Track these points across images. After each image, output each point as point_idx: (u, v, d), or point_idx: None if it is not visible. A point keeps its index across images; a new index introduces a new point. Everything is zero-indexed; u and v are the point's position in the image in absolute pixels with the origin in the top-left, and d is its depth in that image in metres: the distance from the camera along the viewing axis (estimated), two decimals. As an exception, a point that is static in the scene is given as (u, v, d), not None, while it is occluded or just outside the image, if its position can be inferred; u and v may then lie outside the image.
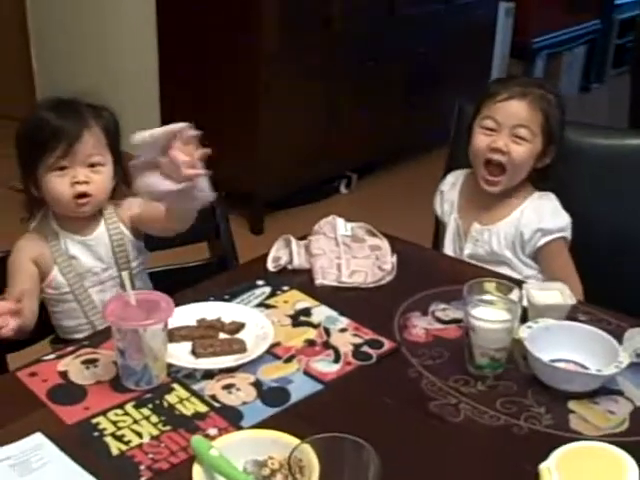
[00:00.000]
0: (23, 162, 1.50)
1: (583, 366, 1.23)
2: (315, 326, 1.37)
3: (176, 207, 1.37)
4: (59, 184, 1.45)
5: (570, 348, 1.26)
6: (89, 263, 1.53)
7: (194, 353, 1.27)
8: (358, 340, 1.33)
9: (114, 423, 1.11)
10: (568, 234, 1.72)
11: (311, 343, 1.32)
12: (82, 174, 1.46)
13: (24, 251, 1.51)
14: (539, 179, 1.76)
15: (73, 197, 1.46)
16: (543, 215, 1.71)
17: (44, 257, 1.51)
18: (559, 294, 1.38)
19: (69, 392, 1.18)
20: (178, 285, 1.52)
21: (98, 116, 1.49)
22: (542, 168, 1.75)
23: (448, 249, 1.82)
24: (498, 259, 1.73)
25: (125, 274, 1.28)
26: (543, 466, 0.89)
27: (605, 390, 1.21)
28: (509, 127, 1.70)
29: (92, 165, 1.47)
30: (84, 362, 1.25)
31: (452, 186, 1.86)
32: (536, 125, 1.70)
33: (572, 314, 1.37)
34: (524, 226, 1.71)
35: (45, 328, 1.57)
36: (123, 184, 1.54)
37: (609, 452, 0.90)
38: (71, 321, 1.55)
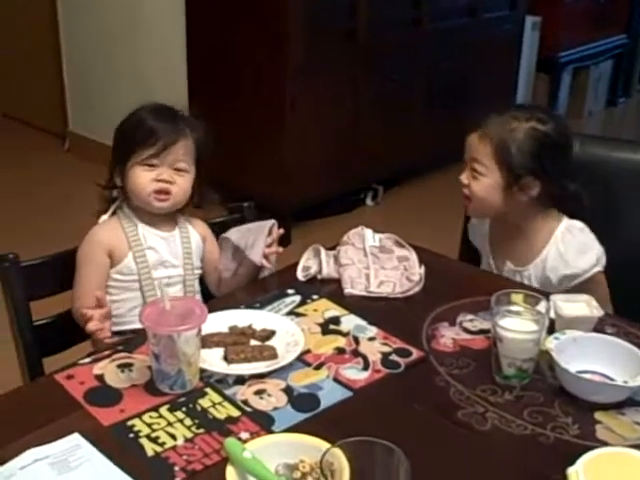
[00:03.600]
0: (117, 153, 1.60)
1: (610, 378, 1.25)
2: (344, 334, 1.39)
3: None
4: (143, 177, 1.56)
5: (597, 360, 1.27)
6: (165, 256, 1.61)
7: (226, 359, 1.30)
8: (386, 349, 1.35)
9: (149, 425, 1.14)
10: (599, 268, 1.65)
11: (340, 351, 1.35)
12: (167, 174, 1.57)
13: (99, 241, 1.58)
14: (556, 206, 1.69)
15: (153, 191, 1.57)
16: (568, 260, 1.64)
17: (120, 243, 1.58)
18: (586, 306, 1.39)
19: (105, 395, 1.21)
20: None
21: (194, 129, 1.61)
22: (551, 197, 1.66)
23: None
24: None
25: (162, 282, 1.32)
26: (571, 470, 0.91)
27: (631, 402, 1.22)
28: (468, 160, 1.70)
29: (177, 169, 1.58)
30: (119, 366, 1.28)
31: (481, 220, 1.84)
32: (487, 158, 1.64)
33: (599, 326, 1.38)
34: (550, 271, 1.66)
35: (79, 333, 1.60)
36: (198, 197, 1.68)
37: (636, 458, 0.92)
38: (129, 310, 1.60)
